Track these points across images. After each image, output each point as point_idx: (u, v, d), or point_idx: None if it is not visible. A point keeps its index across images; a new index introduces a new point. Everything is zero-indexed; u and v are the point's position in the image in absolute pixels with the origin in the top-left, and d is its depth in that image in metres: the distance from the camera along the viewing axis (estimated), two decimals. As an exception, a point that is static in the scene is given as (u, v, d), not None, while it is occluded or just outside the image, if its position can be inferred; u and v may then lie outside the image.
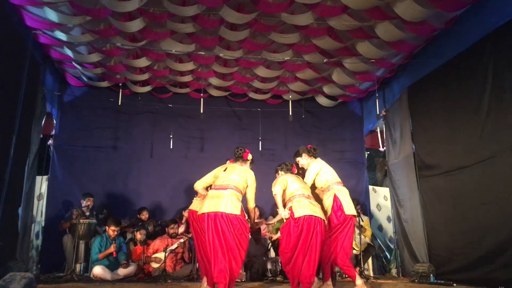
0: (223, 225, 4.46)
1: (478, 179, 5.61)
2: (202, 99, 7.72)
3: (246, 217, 4.80)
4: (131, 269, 6.66)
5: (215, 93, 8.80)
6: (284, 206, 4.95)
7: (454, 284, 5.67)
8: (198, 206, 5.01)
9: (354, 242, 6.27)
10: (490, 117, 5.42)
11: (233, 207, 4.53)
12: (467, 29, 5.94)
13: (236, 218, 4.53)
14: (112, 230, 6.70)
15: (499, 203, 5.20)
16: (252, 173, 4.94)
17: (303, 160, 5.48)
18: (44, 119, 7.40)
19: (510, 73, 5.11)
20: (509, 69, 5.13)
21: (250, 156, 5.11)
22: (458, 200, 6.02)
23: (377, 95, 7.82)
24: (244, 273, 6.60)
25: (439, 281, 6.06)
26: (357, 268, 6.71)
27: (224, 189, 4.67)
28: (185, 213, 7.45)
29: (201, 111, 7.48)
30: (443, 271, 6.20)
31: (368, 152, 9.13)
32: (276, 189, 5.00)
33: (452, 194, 6.15)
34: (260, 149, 8.69)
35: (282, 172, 5.34)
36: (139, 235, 7.08)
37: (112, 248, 6.60)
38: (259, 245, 7.27)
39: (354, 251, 6.21)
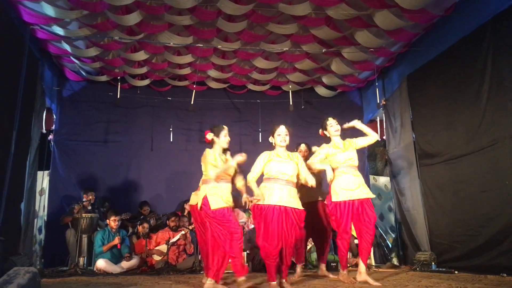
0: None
1: (479, 166, 5.61)
2: (194, 91, 7.70)
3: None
4: (134, 262, 6.71)
5: (214, 85, 8.80)
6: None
7: (456, 272, 5.69)
8: (195, 200, 5.03)
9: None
10: (490, 104, 5.41)
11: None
12: (465, 16, 5.92)
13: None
14: (113, 221, 6.75)
15: (499, 191, 5.21)
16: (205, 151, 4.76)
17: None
18: (44, 114, 7.41)
19: (509, 60, 5.10)
20: (508, 56, 5.11)
21: (209, 136, 4.78)
22: (458, 188, 6.03)
23: (376, 84, 7.81)
24: (246, 264, 6.62)
25: (440, 269, 6.09)
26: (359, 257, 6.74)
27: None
28: (187, 206, 7.48)
29: (191, 103, 7.45)
30: (445, 259, 6.22)
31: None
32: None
33: (453, 182, 6.16)
34: (260, 140, 8.70)
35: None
36: (141, 229, 7.13)
37: (116, 240, 6.66)
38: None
39: (355, 240, 6.21)
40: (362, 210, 4.89)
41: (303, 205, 4.56)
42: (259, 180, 4.63)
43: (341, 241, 4.97)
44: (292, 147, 5.59)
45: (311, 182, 4.53)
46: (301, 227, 4.59)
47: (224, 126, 4.81)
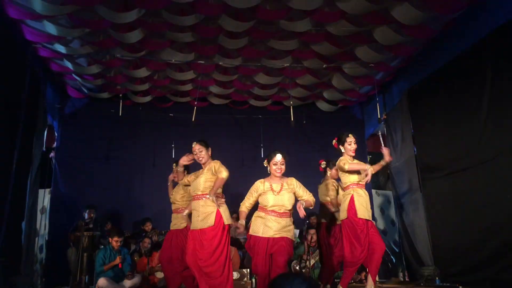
0: None
1: (480, 180, 5.60)
2: (195, 107, 7.70)
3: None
4: (136, 280, 6.63)
5: (215, 101, 8.81)
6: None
7: (460, 287, 5.65)
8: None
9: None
10: (490, 117, 5.42)
11: None
12: (464, 31, 5.96)
13: None
14: (115, 241, 6.67)
15: (502, 204, 5.19)
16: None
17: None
18: (45, 132, 7.41)
19: (509, 74, 5.12)
20: (508, 70, 5.14)
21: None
22: (461, 202, 6.00)
23: (377, 99, 7.82)
24: (250, 281, 6.56)
25: (445, 283, 6.03)
26: (363, 273, 6.68)
27: None
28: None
29: (193, 119, 7.44)
30: (449, 273, 6.17)
31: (370, 156, 9.11)
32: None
33: (455, 195, 6.14)
34: (261, 156, 8.68)
35: None
36: (145, 245, 7.09)
37: (118, 260, 6.57)
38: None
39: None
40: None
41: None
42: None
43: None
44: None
45: (312, 201, 4.50)
46: (290, 255, 4.50)
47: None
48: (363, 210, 4.82)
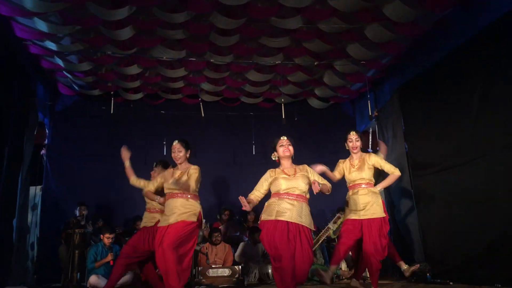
0: None
1: (471, 177, 5.63)
2: (201, 103, 7.66)
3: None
4: (127, 277, 6.62)
5: (207, 98, 8.80)
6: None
7: (451, 283, 5.69)
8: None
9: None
10: (481, 115, 5.45)
11: None
12: (456, 29, 5.99)
13: None
14: (107, 238, 6.67)
15: (492, 202, 5.22)
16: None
17: None
18: (36, 129, 7.37)
19: (500, 71, 5.15)
20: (498, 67, 5.17)
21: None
22: (452, 199, 6.04)
23: (368, 96, 7.86)
24: (242, 278, 6.59)
25: (435, 280, 6.08)
26: (353, 269, 6.72)
27: None
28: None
29: (202, 115, 7.41)
30: (440, 270, 6.21)
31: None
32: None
33: (446, 193, 6.18)
34: (253, 153, 8.70)
35: None
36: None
37: (109, 257, 6.57)
38: (256, 248, 7.27)
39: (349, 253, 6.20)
40: None
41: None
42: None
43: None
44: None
45: (329, 186, 4.34)
46: (311, 247, 4.17)
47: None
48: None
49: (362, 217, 4.97)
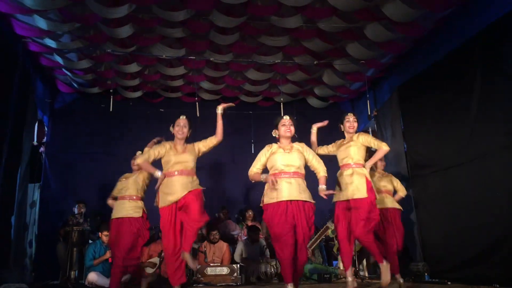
0: None
1: (470, 177, 5.64)
2: (197, 103, 7.65)
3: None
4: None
5: (206, 96, 8.80)
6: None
7: (449, 283, 5.69)
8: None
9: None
10: (480, 115, 5.46)
11: None
12: (455, 28, 6.00)
13: None
14: (105, 236, 6.67)
15: (491, 201, 5.24)
16: None
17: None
18: (35, 127, 7.37)
19: (499, 71, 5.16)
20: (498, 68, 5.18)
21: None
22: (450, 199, 6.05)
23: (367, 95, 7.86)
24: (240, 276, 6.59)
25: (434, 280, 6.09)
26: (353, 268, 6.72)
27: None
28: None
29: (197, 115, 7.39)
30: (438, 269, 6.22)
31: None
32: None
33: (445, 192, 6.19)
34: (252, 152, 8.68)
35: None
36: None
37: (108, 254, 6.57)
38: (254, 246, 7.27)
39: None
40: None
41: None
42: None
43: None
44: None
45: (323, 173, 4.40)
46: (310, 224, 4.25)
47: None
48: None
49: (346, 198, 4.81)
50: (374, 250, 4.70)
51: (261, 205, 4.37)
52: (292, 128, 4.47)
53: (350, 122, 5.19)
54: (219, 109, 4.98)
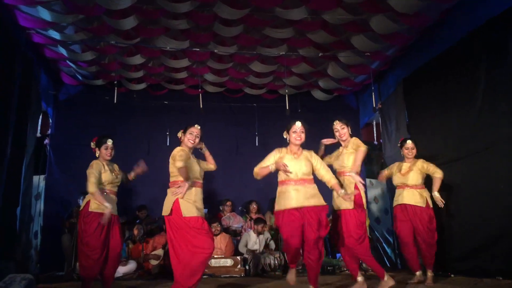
0: None
1: (473, 170, 5.63)
2: (200, 95, 7.66)
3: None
4: (130, 266, 6.68)
5: (210, 89, 8.79)
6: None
7: (452, 275, 5.70)
8: None
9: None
10: (484, 108, 5.43)
11: None
12: (460, 20, 5.95)
13: None
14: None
15: (494, 194, 5.22)
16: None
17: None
18: (40, 118, 7.38)
19: (503, 63, 5.12)
20: (501, 59, 5.14)
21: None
22: (454, 191, 6.03)
23: (372, 88, 7.82)
24: (243, 268, 6.61)
25: (436, 272, 6.08)
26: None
27: None
28: None
29: (201, 107, 7.39)
30: (440, 262, 6.22)
31: (365, 145, 9.15)
32: None
33: (448, 185, 6.16)
34: (256, 144, 8.69)
35: None
36: (136, 231, 7.12)
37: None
38: (259, 239, 7.29)
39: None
40: None
41: None
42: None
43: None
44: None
45: (334, 179, 4.48)
46: (326, 224, 4.34)
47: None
48: None
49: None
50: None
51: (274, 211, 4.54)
52: (303, 136, 4.50)
53: (338, 131, 5.03)
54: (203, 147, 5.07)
